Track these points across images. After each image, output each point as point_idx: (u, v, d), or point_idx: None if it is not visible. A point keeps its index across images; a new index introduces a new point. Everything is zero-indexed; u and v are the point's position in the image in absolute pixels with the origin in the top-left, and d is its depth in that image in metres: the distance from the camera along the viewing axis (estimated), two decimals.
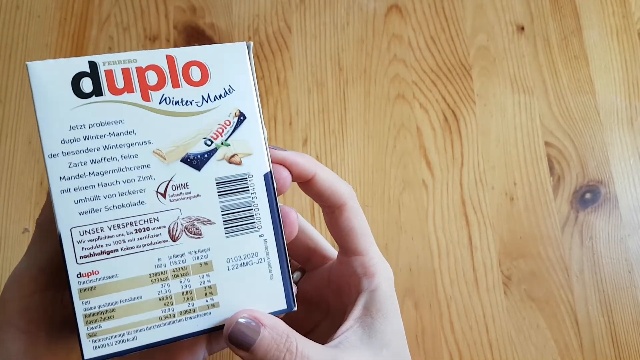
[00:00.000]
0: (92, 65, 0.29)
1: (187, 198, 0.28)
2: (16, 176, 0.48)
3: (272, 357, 0.27)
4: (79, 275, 0.27)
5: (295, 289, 0.29)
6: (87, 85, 0.29)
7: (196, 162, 0.29)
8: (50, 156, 0.27)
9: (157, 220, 0.28)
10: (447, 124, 0.49)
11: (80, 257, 0.27)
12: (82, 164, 0.28)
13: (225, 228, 0.29)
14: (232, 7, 0.53)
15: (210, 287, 0.28)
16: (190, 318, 0.28)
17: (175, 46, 0.51)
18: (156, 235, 0.28)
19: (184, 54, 0.31)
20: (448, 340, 0.44)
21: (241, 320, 0.27)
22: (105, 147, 0.28)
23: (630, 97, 0.50)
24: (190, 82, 0.31)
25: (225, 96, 0.32)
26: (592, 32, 0.52)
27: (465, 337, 0.44)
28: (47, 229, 0.29)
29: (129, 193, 0.28)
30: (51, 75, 0.29)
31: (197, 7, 0.53)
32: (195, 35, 0.52)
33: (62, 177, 0.27)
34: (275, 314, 0.28)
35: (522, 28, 0.52)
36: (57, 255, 0.28)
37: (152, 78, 0.30)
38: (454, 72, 0.51)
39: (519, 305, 0.45)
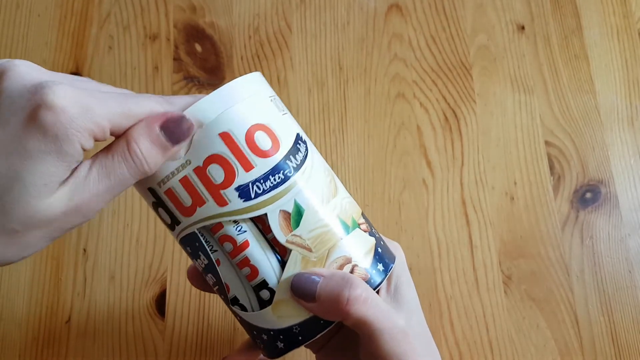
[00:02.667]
0: (152, 192, 0.28)
1: None
2: None
3: (337, 294, 0.27)
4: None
5: None
6: (164, 216, 0.29)
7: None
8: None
9: None
10: (448, 124, 0.49)
11: None
12: None
13: None
14: (232, 6, 0.53)
15: None
16: None
17: (176, 46, 0.51)
18: None
19: (229, 120, 0.26)
20: (448, 340, 0.44)
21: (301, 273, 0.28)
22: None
23: (631, 97, 0.50)
24: (261, 153, 0.27)
25: (306, 145, 0.30)
26: (592, 32, 0.52)
27: (465, 336, 0.44)
28: None
29: None
30: None
31: (197, 6, 0.53)
32: (195, 34, 0.52)
33: None
34: None
35: (523, 27, 0.52)
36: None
37: (217, 174, 0.27)
38: (454, 72, 0.51)
39: (519, 305, 0.45)
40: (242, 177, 0.27)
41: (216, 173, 0.27)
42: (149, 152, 0.25)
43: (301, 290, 0.28)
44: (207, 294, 0.45)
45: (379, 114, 0.50)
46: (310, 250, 0.28)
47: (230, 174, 0.27)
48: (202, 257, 0.29)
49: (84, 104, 0.24)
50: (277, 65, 0.51)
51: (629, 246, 0.46)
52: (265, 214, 0.27)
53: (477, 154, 0.49)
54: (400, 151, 0.49)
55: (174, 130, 0.26)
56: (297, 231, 0.28)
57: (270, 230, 0.28)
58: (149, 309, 0.45)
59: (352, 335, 0.32)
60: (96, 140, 0.25)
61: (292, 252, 0.28)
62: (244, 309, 0.29)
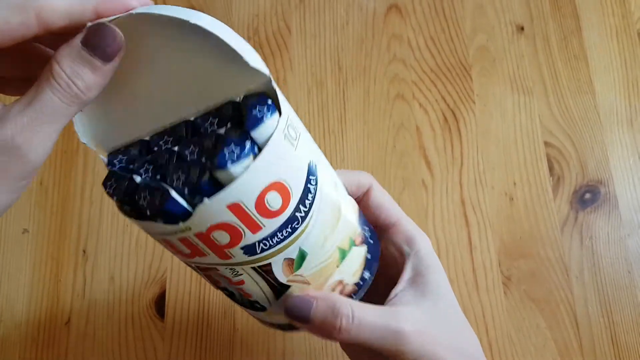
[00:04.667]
0: (152, 236, 0.26)
1: None
2: None
3: (329, 323, 0.27)
4: None
5: None
6: (167, 249, 0.28)
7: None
8: None
9: None
10: (447, 124, 0.49)
11: None
12: None
13: None
14: (231, 7, 0.53)
15: None
16: None
17: None
18: None
19: (240, 191, 0.22)
20: None
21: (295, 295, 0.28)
22: None
23: (630, 97, 0.50)
24: (271, 214, 0.24)
25: (314, 180, 0.26)
26: (591, 33, 0.52)
27: None
28: None
29: None
30: None
31: (196, 7, 0.53)
32: None
33: None
34: None
35: (522, 28, 0.52)
36: None
37: (221, 238, 0.24)
38: (453, 72, 0.51)
39: (519, 305, 0.45)
40: (249, 238, 0.24)
41: (221, 237, 0.24)
42: (74, 71, 0.21)
43: (295, 314, 0.28)
44: (207, 294, 0.45)
45: (378, 114, 0.50)
46: (309, 283, 0.28)
47: (236, 238, 0.24)
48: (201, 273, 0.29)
49: None
50: (276, 65, 0.51)
51: (628, 246, 0.46)
52: (270, 264, 0.26)
53: (476, 154, 0.49)
54: (400, 152, 0.49)
55: (98, 43, 0.22)
56: (298, 272, 0.27)
57: (271, 273, 0.27)
58: (149, 310, 0.45)
59: None
60: (15, 40, 0.21)
61: (291, 286, 0.28)
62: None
